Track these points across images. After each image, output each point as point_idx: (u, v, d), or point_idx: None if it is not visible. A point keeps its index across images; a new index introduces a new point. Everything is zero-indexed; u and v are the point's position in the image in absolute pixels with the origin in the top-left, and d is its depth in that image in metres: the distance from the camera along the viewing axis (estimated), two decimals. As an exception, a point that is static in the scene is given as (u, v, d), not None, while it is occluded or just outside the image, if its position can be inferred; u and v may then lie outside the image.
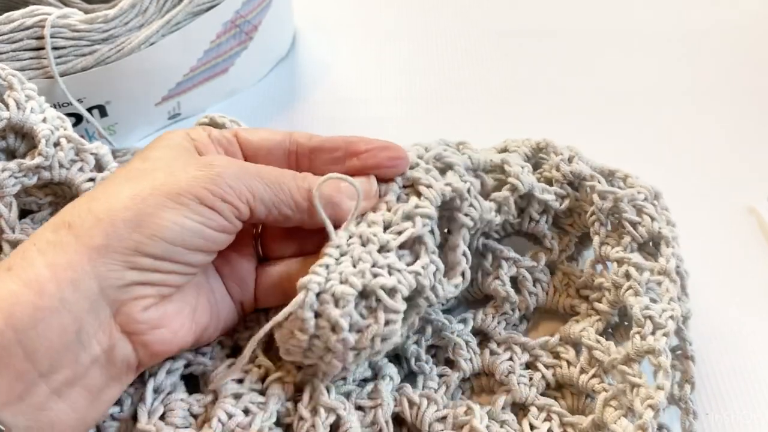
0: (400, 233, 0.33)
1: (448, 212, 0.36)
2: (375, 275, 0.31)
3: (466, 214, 0.35)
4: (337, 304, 0.30)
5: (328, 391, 0.33)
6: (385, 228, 0.33)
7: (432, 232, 0.34)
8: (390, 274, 0.31)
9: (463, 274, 0.35)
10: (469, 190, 0.35)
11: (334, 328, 0.30)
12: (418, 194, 0.34)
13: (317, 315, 0.30)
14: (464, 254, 0.35)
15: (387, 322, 0.31)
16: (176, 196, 0.29)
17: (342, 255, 0.32)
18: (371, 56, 0.57)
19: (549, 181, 0.39)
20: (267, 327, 0.31)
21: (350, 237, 0.33)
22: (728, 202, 0.46)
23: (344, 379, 0.34)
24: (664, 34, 0.58)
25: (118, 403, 0.32)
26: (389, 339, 0.31)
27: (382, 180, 0.35)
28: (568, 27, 0.59)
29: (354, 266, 0.31)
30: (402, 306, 0.31)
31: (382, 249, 0.32)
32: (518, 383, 0.35)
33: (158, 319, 0.30)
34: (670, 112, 0.52)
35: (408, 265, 0.32)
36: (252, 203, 0.31)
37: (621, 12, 0.60)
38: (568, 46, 0.57)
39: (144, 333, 0.29)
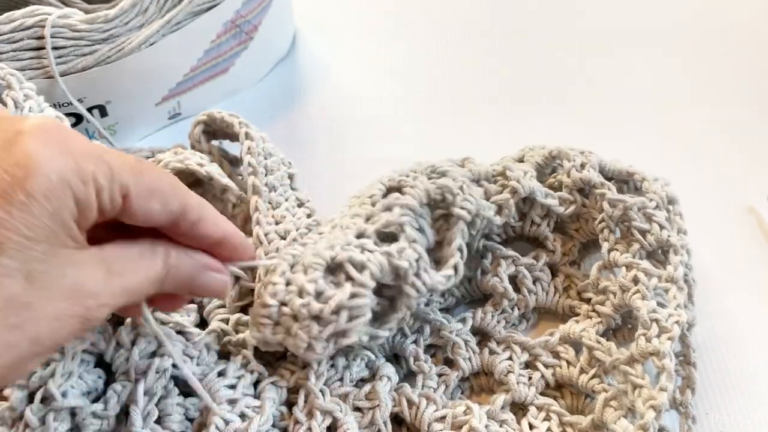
0: (377, 221, 0.34)
1: (444, 209, 0.36)
2: (345, 250, 0.32)
3: (462, 208, 0.35)
4: (305, 273, 0.31)
5: (323, 393, 0.33)
6: (367, 219, 0.34)
7: (421, 229, 0.34)
8: (361, 252, 0.32)
9: (455, 268, 0.35)
10: (461, 188, 0.36)
11: (301, 293, 0.31)
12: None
13: (287, 283, 0.31)
14: (459, 249, 0.35)
15: (353, 295, 0.31)
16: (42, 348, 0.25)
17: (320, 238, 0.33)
18: (371, 56, 0.57)
19: (559, 186, 0.40)
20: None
21: (333, 227, 0.34)
22: (728, 202, 0.46)
23: (341, 380, 0.34)
24: (664, 34, 0.58)
25: (101, 400, 0.32)
26: (357, 317, 0.31)
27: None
28: (571, 27, 0.59)
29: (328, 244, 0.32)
30: (370, 282, 0.32)
31: (360, 235, 0.33)
32: (517, 383, 0.35)
33: None
34: (670, 111, 0.52)
35: None
36: None
37: (621, 12, 0.60)
38: (569, 46, 0.57)
39: None
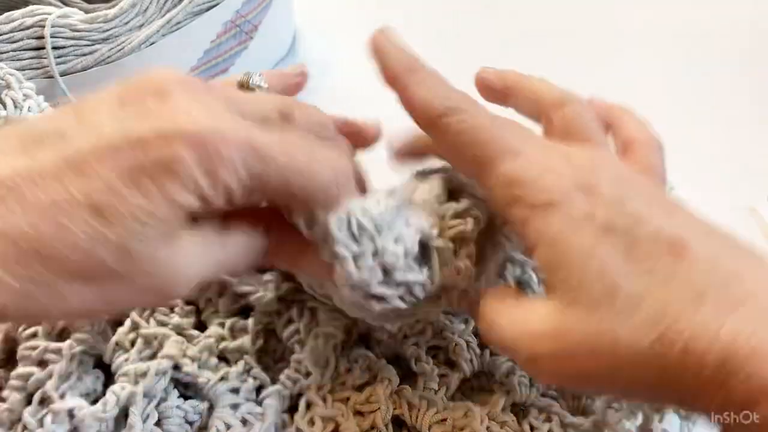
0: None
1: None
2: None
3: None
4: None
5: (324, 401, 0.33)
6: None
7: None
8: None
9: None
10: None
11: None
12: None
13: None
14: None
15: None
16: None
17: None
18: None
19: None
20: None
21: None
22: (728, 203, 0.46)
23: (343, 384, 0.34)
24: (665, 33, 0.58)
25: (100, 401, 0.32)
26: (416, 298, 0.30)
27: None
28: (570, 27, 0.59)
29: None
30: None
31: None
32: (518, 384, 0.35)
33: None
34: (670, 111, 0.52)
35: None
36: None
37: (623, 11, 0.60)
38: (569, 47, 0.57)
39: None
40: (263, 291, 0.35)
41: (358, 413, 0.33)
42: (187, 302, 0.37)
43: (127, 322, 0.34)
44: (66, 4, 0.49)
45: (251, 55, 0.51)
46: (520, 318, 0.25)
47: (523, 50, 0.57)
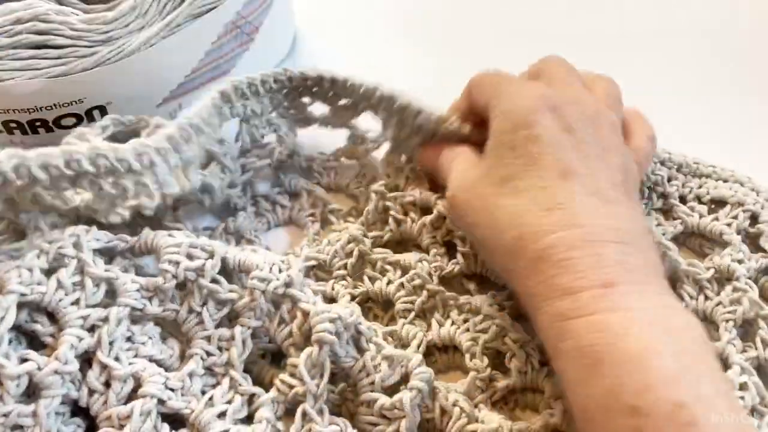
0: None
1: None
2: None
3: None
4: None
5: (321, 413, 0.31)
6: None
7: None
8: None
9: None
10: None
11: None
12: None
13: None
14: None
15: None
16: None
17: None
18: (371, 57, 0.57)
19: None
20: None
21: None
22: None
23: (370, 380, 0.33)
24: (666, 31, 0.58)
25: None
26: None
27: None
28: (571, 29, 0.59)
29: None
30: None
31: None
32: (564, 410, 0.33)
33: None
34: (670, 110, 0.52)
35: None
36: None
37: (625, 9, 0.60)
38: (571, 47, 0.57)
39: None
40: (248, 296, 0.33)
41: (374, 424, 0.32)
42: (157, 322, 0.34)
43: (96, 365, 0.31)
44: (62, 5, 0.49)
45: (252, 56, 0.51)
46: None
47: (524, 52, 0.57)
